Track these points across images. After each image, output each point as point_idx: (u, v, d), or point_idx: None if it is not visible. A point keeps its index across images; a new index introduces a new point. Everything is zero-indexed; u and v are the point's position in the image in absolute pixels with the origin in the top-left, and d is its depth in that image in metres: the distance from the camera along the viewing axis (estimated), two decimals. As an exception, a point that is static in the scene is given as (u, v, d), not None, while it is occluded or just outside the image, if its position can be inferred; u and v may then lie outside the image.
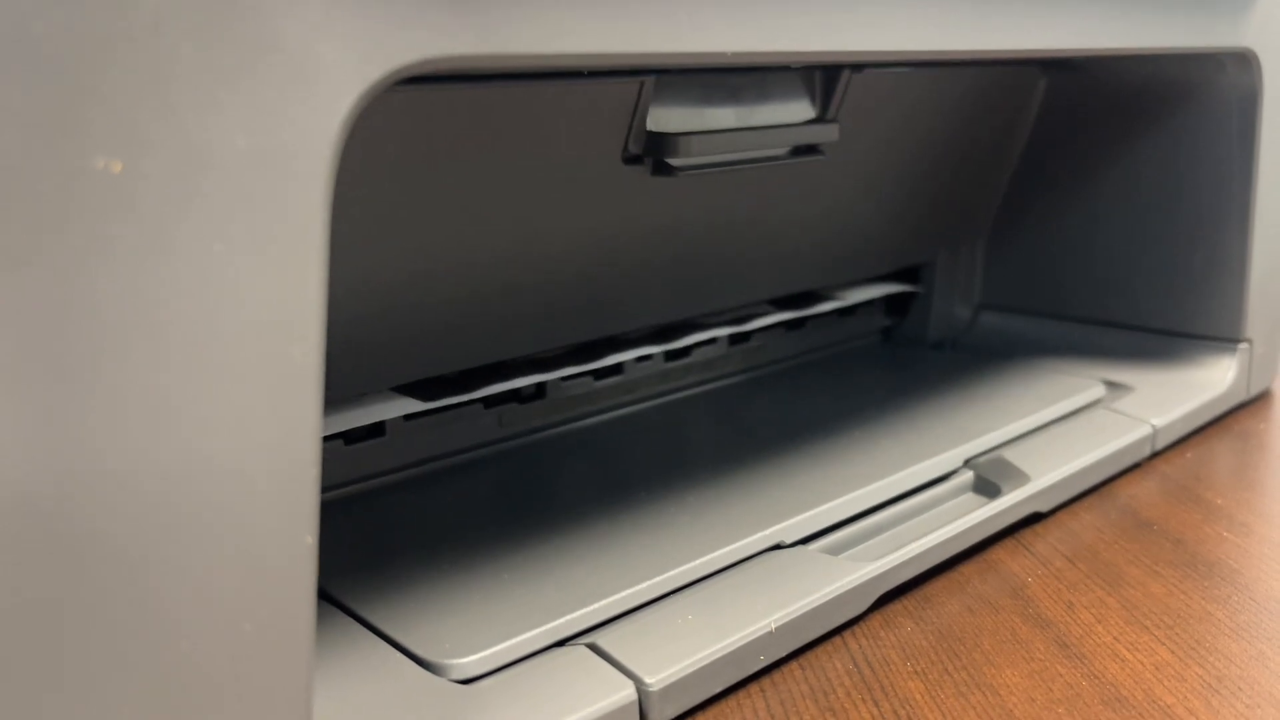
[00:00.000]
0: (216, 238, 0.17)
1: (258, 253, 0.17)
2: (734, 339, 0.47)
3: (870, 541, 0.35)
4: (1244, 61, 0.43)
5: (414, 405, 0.34)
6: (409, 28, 0.18)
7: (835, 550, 0.34)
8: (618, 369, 0.42)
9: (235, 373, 0.17)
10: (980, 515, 0.35)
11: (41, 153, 0.15)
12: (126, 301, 0.16)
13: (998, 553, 0.36)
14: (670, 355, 0.44)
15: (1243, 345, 0.47)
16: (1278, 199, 0.46)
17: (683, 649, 0.27)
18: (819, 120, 0.39)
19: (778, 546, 0.33)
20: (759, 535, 0.32)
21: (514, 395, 0.39)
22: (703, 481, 0.36)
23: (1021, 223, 0.52)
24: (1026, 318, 0.53)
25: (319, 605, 0.22)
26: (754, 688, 0.28)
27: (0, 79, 0.15)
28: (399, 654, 0.26)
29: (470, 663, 0.26)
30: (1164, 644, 0.30)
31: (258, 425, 0.18)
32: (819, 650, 0.30)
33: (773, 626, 0.28)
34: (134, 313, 0.16)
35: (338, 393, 0.33)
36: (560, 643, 0.27)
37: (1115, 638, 0.30)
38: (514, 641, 0.27)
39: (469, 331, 0.35)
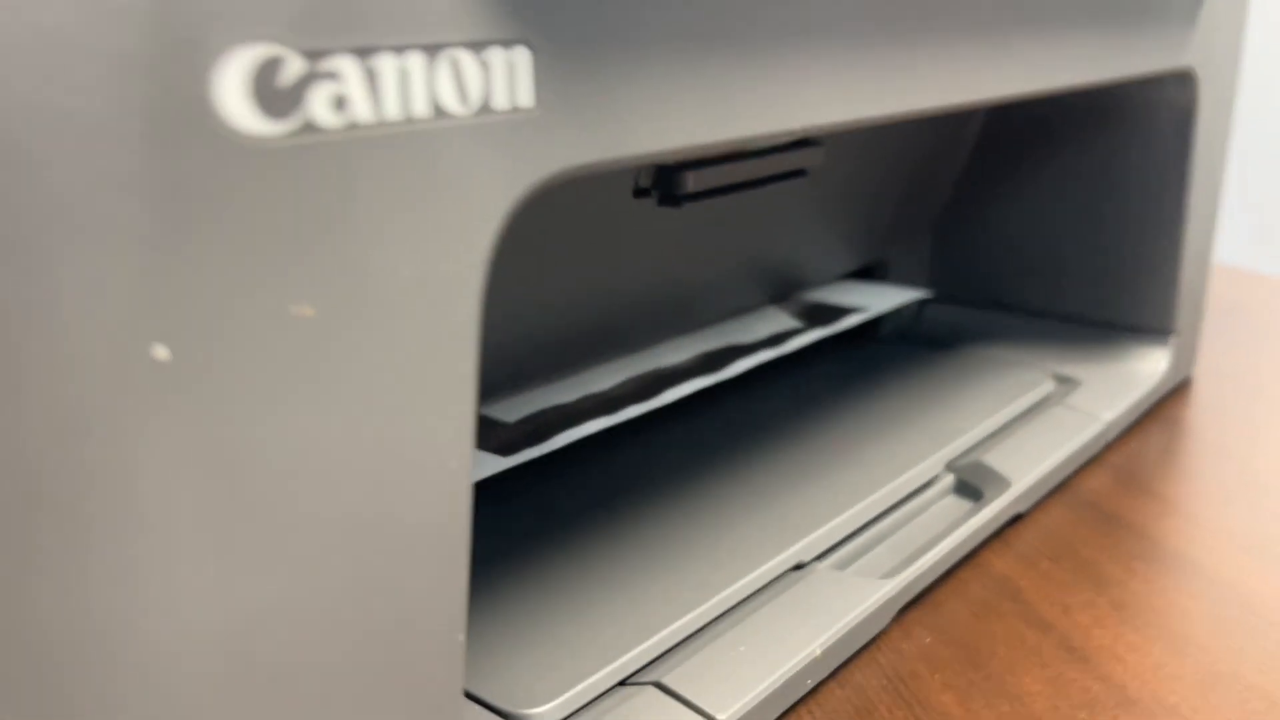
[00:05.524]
0: (386, 367, 0.17)
1: (421, 374, 0.18)
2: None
3: (872, 553, 0.37)
4: (1184, 79, 0.46)
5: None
6: (547, 144, 0.19)
7: (843, 565, 0.36)
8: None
9: (405, 491, 0.18)
10: (975, 523, 0.37)
11: (246, 301, 0.15)
12: (307, 440, 0.17)
13: (985, 554, 0.38)
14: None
15: (1173, 336, 0.51)
16: (1206, 202, 0.50)
17: (744, 682, 0.28)
18: (804, 144, 0.40)
19: (798, 566, 0.34)
20: (781, 557, 0.34)
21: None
22: (700, 499, 0.37)
23: (966, 219, 0.55)
24: (969, 309, 0.56)
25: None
26: (802, 709, 0.30)
27: (215, 233, 0.15)
28: (476, 706, 0.27)
29: (548, 710, 0.27)
30: (1155, 643, 0.33)
31: (420, 548, 0.18)
32: (851, 668, 0.32)
33: (818, 651, 0.30)
34: (311, 451, 0.17)
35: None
36: (622, 682, 0.29)
37: (1113, 639, 0.33)
38: (584, 685, 0.28)
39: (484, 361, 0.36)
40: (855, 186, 0.49)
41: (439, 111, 0.17)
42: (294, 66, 0.15)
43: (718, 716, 0.27)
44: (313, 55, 0.15)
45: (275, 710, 0.17)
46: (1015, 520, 0.40)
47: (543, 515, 0.37)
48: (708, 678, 0.28)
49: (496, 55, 0.18)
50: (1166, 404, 0.52)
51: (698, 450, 0.42)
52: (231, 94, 0.15)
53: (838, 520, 0.36)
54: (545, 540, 0.35)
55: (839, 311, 0.48)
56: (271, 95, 0.15)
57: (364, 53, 0.16)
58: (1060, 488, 0.43)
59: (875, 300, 0.50)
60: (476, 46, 0.17)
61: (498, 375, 0.36)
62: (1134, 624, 0.34)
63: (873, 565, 0.36)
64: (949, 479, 0.41)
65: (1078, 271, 0.52)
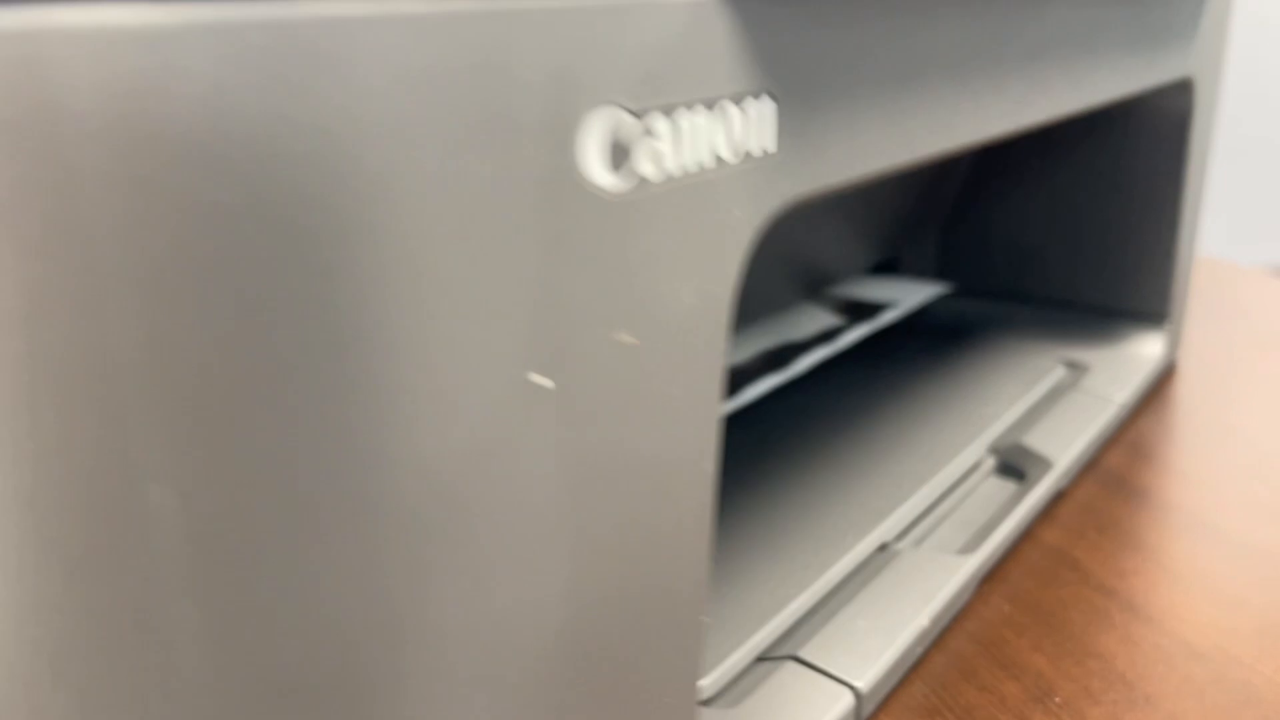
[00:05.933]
0: (673, 381, 0.20)
1: (693, 386, 0.20)
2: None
3: (938, 532, 0.40)
4: (1183, 86, 0.50)
5: None
6: (781, 181, 0.21)
7: (917, 542, 0.39)
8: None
9: (680, 488, 0.20)
10: (1031, 499, 0.40)
11: (592, 333, 0.18)
12: (626, 449, 0.19)
13: (1036, 529, 0.42)
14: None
15: (1168, 322, 0.55)
16: (1194, 195, 0.54)
17: (870, 652, 0.31)
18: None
19: (882, 547, 0.37)
20: (869, 539, 0.37)
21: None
22: (780, 487, 0.40)
23: (971, 214, 0.59)
24: (974, 299, 0.60)
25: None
26: (914, 676, 0.33)
27: (577, 277, 0.17)
28: (637, 685, 0.29)
29: (707, 683, 0.29)
30: (1206, 602, 0.37)
31: (687, 540, 0.21)
32: (947, 636, 0.35)
33: (926, 621, 0.33)
34: (629, 459, 0.19)
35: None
36: (760, 658, 0.31)
37: (1169, 600, 0.37)
38: (730, 661, 0.30)
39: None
40: (876, 187, 0.52)
41: (718, 160, 0.19)
42: (631, 127, 0.17)
43: (856, 684, 0.30)
44: (639, 115, 0.18)
45: (589, 686, 0.19)
46: (1057, 497, 0.44)
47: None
48: (838, 650, 0.31)
49: (752, 107, 0.20)
50: (1161, 384, 0.57)
51: (766, 441, 0.45)
52: (592, 154, 0.17)
53: (910, 503, 0.39)
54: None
55: (873, 307, 0.51)
56: (616, 153, 0.17)
57: (669, 110, 0.18)
58: (1087, 465, 0.47)
59: (903, 295, 0.53)
60: (739, 99, 0.20)
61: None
62: (1183, 586, 0.38)
63: (943, 542, 0.39)
64: (990, 461, 0.45)
65: (1079, 263, 0.56)
